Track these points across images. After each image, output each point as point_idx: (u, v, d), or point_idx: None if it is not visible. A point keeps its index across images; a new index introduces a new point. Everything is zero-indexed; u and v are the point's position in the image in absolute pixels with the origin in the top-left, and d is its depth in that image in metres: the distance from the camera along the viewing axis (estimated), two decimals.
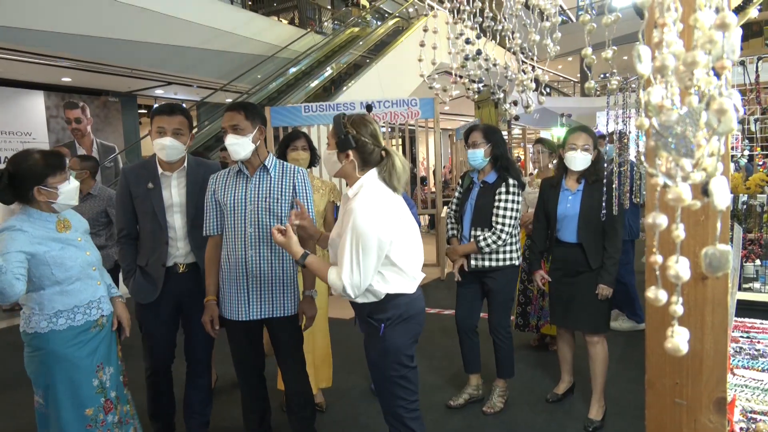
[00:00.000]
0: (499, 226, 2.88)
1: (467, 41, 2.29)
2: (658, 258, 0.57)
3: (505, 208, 2.90)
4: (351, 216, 1.76)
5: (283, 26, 12.06)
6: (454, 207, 3.16)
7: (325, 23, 13.72)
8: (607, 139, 4.25)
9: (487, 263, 2.97)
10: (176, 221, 2.54)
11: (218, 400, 3.42)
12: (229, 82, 10.23)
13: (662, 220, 0.55)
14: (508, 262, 2.97)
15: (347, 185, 1.92)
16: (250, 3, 12.18)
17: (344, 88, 9.69)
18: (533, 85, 2.00)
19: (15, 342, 2.97)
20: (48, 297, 2.04)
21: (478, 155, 2.95)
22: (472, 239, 2.95)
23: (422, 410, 2.06)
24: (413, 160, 12.13)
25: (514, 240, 2.97)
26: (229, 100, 10.91)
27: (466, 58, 2.27)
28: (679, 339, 0.57)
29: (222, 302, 2.41)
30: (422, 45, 2.39)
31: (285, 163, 2.47)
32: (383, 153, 1.86)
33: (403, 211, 1.88)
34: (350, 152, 1.85)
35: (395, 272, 1.82)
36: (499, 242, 2.89)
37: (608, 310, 2.81)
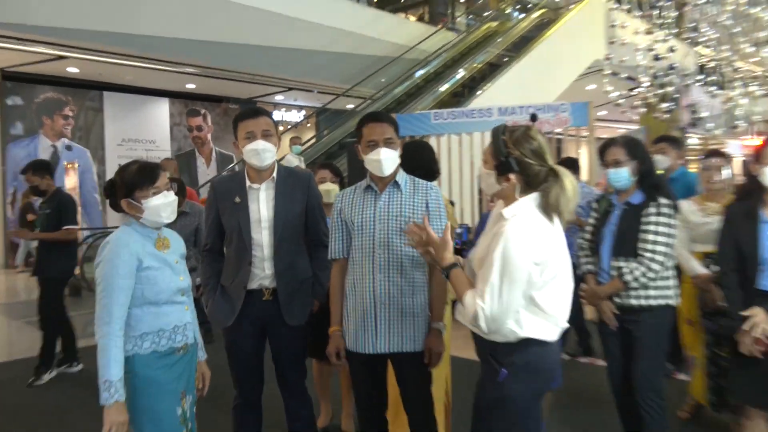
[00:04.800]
0: (648, 254, 2.64)
1: (656, 57, 2.15)
2: None
3: (656, 233, 2.66)
4: (503, 240, 1.74)
5: (411, 24, 12.38)
6: (587, 236, 2.96)
7: (459, 19, 13.83)
8: None
9: (633, 301, 2.70)
10: (264, 238, 2.60)
11: None
12: (351, 86, 10.62)
13: None
14: (660, 301, 2.70)
15: (503, 204, 1.91)
16: (376, 0, 12.67)
17: (479, 92, 9.64)
18: (759, 93, 1.81)
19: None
20: (135, 317, 2.13)
21: (623, 175, 2.78)
22: (613, 272, 2.74)
23: None
24: None
25: (669, 273, 2.73)
26: (351, 106, 11.35)
27: (655, 77, 2.13)
28: None
29: (346, 332, 2.45)
30: (607, 59, 2.28)
31: (417, 179, 2.49)
32: (551, 173, 1.83)
33: (560, 247, 1.84)
34: (511, 176, 1.85)
35: (536, 315, 1.78)
36: (650, 274, 2.65)
37: None
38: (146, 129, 12.70)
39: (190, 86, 12.52)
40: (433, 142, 6.54)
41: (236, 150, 2.64)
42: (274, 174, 2.66)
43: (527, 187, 1.85)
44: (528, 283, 1.72)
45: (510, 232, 1.74)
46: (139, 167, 2.20)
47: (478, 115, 6.49)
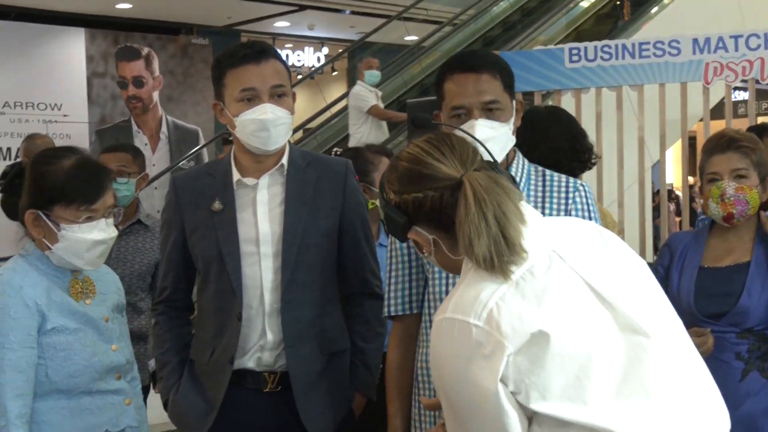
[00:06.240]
0: None
1: None
2: None
3: None
4: (432, 360, 1.87)
5: None
6: None
7: None
8: None
9: None
10: (264, 273, 2.71)
11: None
12: (414, 2, 10.68)
13: None
14: None
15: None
16: None
17: (653, 8, 9.54)
18: None
19: None
20: (36, 415, 2.23)
21: None
22: None
23: None
24: None
25: None
26: (413, 38, 11.34)
27: None
28: None
29: None
30: None
31: (549, 172, 2.58)
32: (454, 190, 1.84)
33: (604, 321, 1.79)
34: (413, 233, 1.92)
35: None
36: None
37: None
38: (46, 84, 12.99)
39: (123, 6, 12.78)
40: (567, 103, 6.42)
41: (220, 117, 2.72)
42: (284, 160, 2.73)
43: (454, 235, 1.87)
44: (499, 423, 1.74)
45: (437, 344, 1.81)
46: (77, 164, 2.30)
47: (654, 53, 6.34)
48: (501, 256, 1.73)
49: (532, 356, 1.71)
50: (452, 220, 1.83)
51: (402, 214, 1.89)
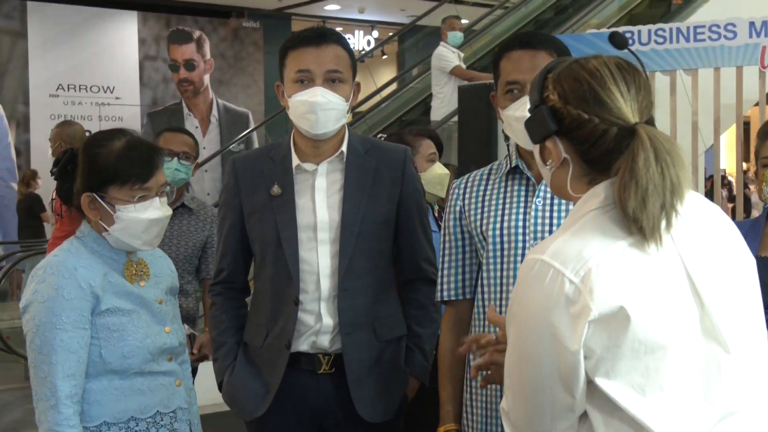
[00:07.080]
0: None
1: None
2: None
3: None
4: (515, 296, 1.81)
5: None
6: None
7: None
8: None
9: None
10: (322, 259, 2.72)
11: None
12: None
13: None
14: None
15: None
16: None
17: None
18: None
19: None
20: (90, 395, 2.29)
21: None
22: None
23: None
24: None
25: None
26: (464, 22, 11.20)
27: None
28: None
29: None
30: None
31: None
32: (626, 135, 1.73)
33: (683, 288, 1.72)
34: (551, 142, 1.83)
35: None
36: None
37: None
38: (99, 67, 13.12)
39: None
40: None
41: (281, 99, 2.73)
42: (344, 147, 2.73)
43: (590, 169, 1.81)
44: (559, 371, 1.72)
45: (523, 284, 1.74)
46: (127, 144, 2.32)
47: (709, 36, 6.23)
48: (657, 224, 1.68)
49: (611, 332, 1.67)
50: (604, 158, 1.77)
51: (555, 122, 1.82)
